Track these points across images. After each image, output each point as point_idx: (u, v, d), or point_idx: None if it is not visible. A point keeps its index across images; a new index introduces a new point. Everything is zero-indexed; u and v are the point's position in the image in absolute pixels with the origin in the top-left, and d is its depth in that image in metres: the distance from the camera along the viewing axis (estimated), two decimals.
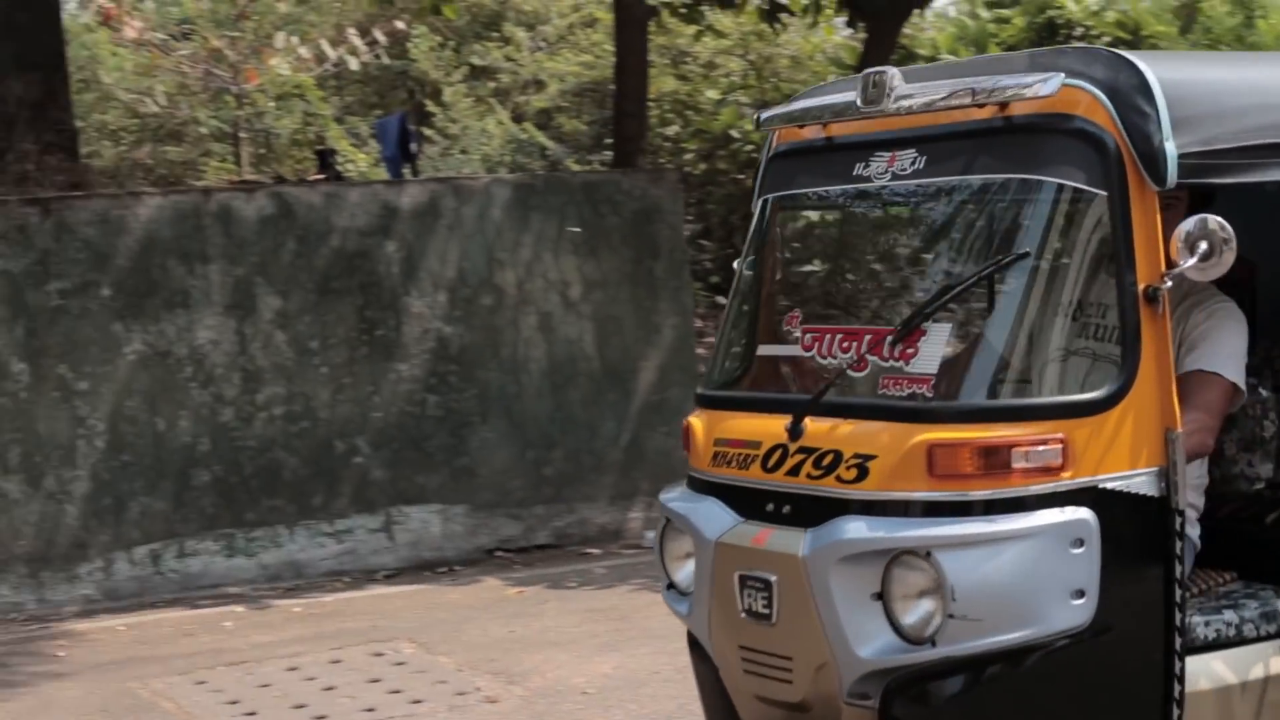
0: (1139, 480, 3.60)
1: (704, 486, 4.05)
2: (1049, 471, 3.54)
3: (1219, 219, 3.60)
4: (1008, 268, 3.69)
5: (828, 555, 3.61)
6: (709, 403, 4.16)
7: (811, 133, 4.20)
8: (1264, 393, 4.40)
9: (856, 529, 3.60)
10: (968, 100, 3.71)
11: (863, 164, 4.00)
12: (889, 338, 3.75)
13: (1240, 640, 4.04)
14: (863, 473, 3.64)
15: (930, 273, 3.92)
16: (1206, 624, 4.01)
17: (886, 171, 3.94)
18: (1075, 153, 3.65)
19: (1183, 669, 3.67)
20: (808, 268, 4.24)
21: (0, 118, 9.37)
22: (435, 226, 8.82)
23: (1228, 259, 3.61)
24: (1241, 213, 5.82)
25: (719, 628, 3.97)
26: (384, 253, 8.74)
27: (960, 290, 3.71)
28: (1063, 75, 3.62)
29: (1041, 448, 3.53)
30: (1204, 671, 3.92)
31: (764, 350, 4.12)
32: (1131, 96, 3.61)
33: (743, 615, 3.86)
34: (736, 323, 4.33)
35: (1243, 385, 4.17)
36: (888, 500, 3.60)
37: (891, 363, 3.75)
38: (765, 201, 4.30)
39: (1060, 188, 3.69)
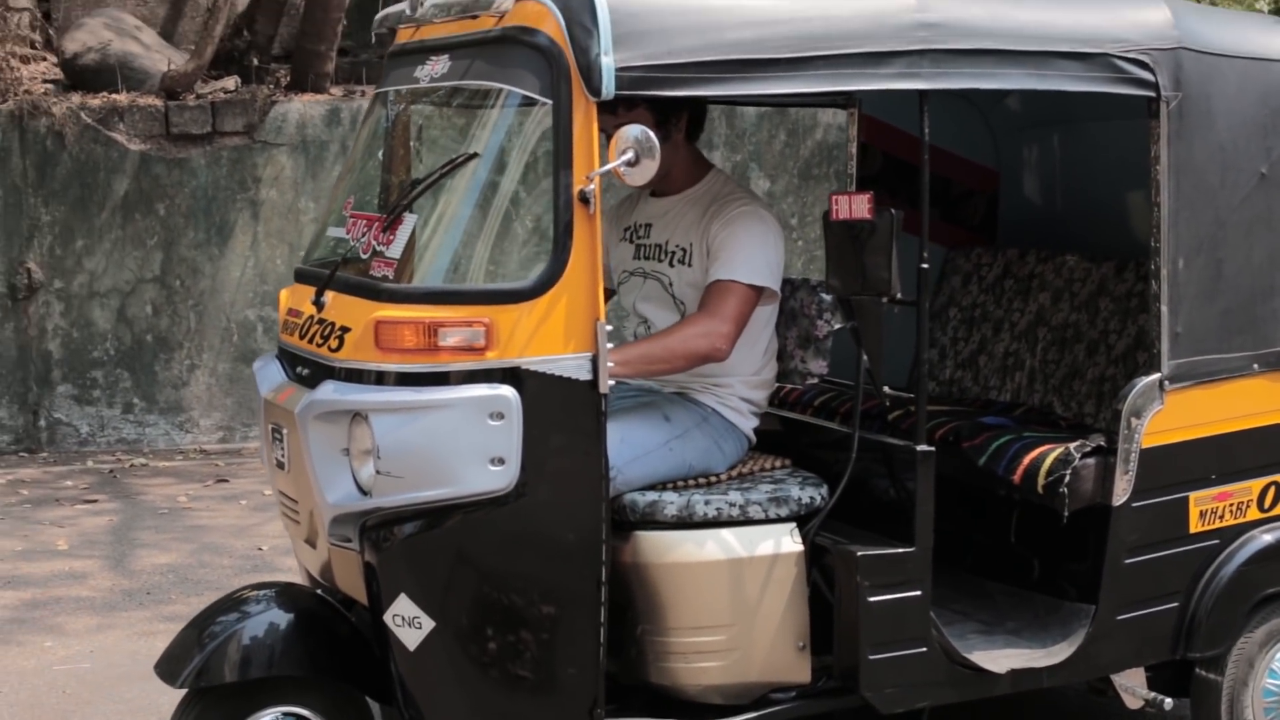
0: (566, 364, 3.98)
1: (278, 350, 4.60)
2: (474, 350, 3.95)
3: (646, 130, 3.93)
4: (461, 166, 4.09)
5: (308, 412, 4.11)
6: (297, 276, 4.68)
7: (404, 37, 4.65)
8: (825, 296, 4.66)
9: (326, 391, 4.08)
10: (457, 12, 4.12)
11: (420, 67, 4.43)
12: (378, 225, 4.22)
13: (745, 521, 4.40)
14: (341, 343, 4.13)
15: (428, 167, 4.33)
16: (707, 503, 4.38)
17: (428, 75, 4.37)
18: (532, 63, 4.01)
19: (609, 534, 4.06)
20: (371, 159, 4.69)
21: None
22: None
23: (649, 166, 3.93)
24: (986, 125, 6.00)
25: (272, 474, 4.53)
26: None
27: (427, 185, 4.13)
28: None
29: (467, 329, 3.95)
30: (691, 543, 4.32)
31: (330, 232, 4.61)
32: (580, 13, 3.95)
33: (274, 463, 4.42)
34: (330, 207, 4.82)
35: (766, 283, 4.47)
36: (354, 369, 4.07)
37: (379, 247, 4.20)
38: (374, 96, 4.77)
39: (512, 95, 4.07)
